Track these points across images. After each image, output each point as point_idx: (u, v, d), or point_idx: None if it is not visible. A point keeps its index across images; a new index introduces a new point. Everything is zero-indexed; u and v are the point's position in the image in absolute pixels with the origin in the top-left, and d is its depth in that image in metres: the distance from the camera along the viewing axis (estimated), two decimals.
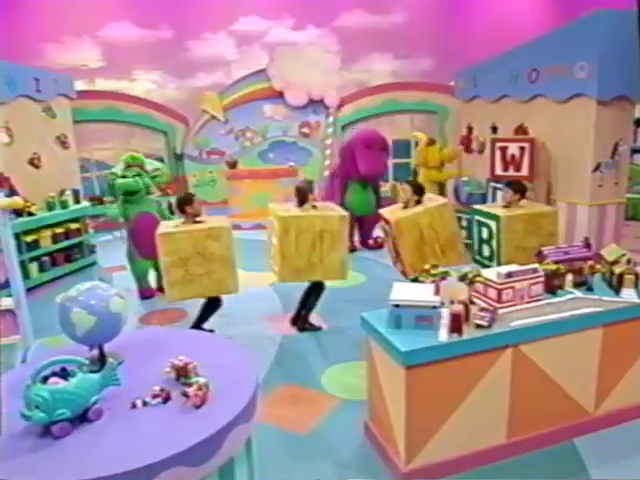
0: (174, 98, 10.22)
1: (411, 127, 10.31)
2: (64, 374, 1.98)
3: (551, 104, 6.17)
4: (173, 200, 4.15)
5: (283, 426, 3.13)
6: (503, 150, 6.37)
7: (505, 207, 4.51)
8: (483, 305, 2.78)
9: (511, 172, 6.18)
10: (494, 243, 4.45)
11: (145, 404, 2.09)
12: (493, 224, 4.40)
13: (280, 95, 9.90)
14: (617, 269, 3.01)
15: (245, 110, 9.89)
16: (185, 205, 4.11)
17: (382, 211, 4.72)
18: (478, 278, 2.85)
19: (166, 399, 2.12)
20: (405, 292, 2.67)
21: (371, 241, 7.44)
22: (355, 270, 6.18)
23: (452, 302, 2.66)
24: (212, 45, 10.53)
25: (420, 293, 2.66)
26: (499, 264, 4.32)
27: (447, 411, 2.58)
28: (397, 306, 2.60)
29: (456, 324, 2.50)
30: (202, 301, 4.36)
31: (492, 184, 6.65)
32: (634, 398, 3.05)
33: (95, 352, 2.44)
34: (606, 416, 2.99)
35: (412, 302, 2.57)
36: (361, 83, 10.76)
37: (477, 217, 4.63)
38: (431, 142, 7.52)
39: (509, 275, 2.78)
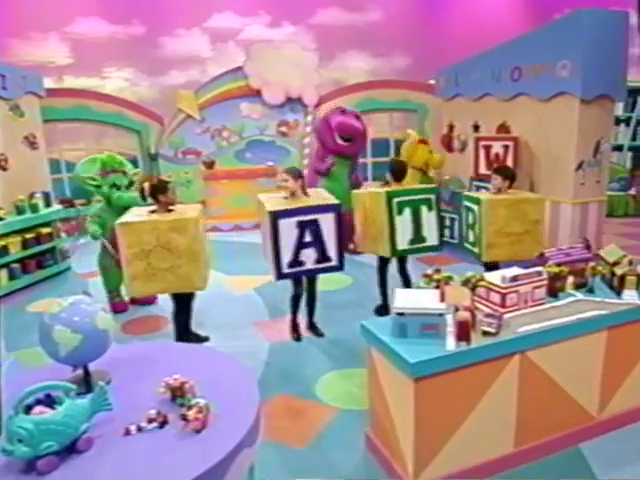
0: (147, 96, 9.91)
1: (390, 126, 10.26)
2: (49, 401, 1.79)
3: (534, 102, 6.18)
4: (146, 186, 3.81)
5: (280, 440, 2.98)
6: (487, 149, 6.36)
7: (495, 194, 4.48)
8: (486, 310, 2.70)
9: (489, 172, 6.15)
10: (477, 227, 4.45)
11: (140, 430, 1.91)
12: (476, 208, 4.40)
13: (257, 93, 9.69)
14: (618, 270, 2.96)
15: (221, 109, 9.63)
16: (159, 194, 3.80)
17: None
18: (481, 282, 2.76)
19: (162, 423, 1.95)
20: (409, 299, 2.56)
21: (351, 245, 7.10)
22: (341, 272, 6.05)
23: (457, 309, 2.57)
24: (186, 42, 10.26)
25: (425, 300, 2.55)
26: (480, 248, 4.40)
27: (455, 422, 2.49)
28: (401, 314, 2.48)
29: (464, 332, 2.40)
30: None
31: (475, 182, 6.62)
32: (637, 400, 3.01)
33: (80, 372, 2.25)
34: (610, 419, 2.94)
35: (418, 310, 2.46)
36: (338, 81, 10.66)
37: (465, 202, 4.64)
38: (423, 142, 7.41)
39: (514, 279, 2.70)
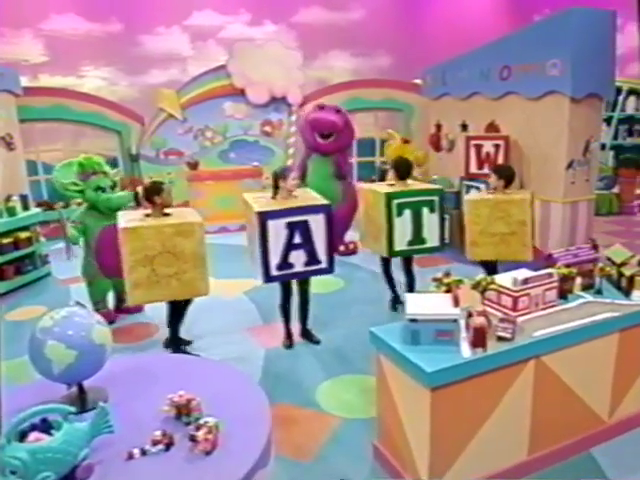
0: (126, 96, 9.66)
1: (375, 125, 10.19)
2: (45, 426, 1.63)
3: (523, 101, 6.15)
4: (139, 189, 3.72)
5: (284, 453, 2.84)
6: (478, 148, 6.31)
7: (490, 193, 4.57)
8: (497, 314, 2.61)
9: (486, 170, 6.10)
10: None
11: (144, 453, 1.76)
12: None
13: (241, 93, 9.51)
14: (627, 271, 2.91)
15: (204, 108, 9.43)
16: (153, 195, 3.67)
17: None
18: (492, 286, 2.67)
19: (168, 445, 1.80)
20: (421, 304, 2.45)
21: (342, 247, 6.76)
22: (332, 275, 5.93)
23: (469, 313, 2.47)
24: (165, 40, 10.05)
25: (437, 305, 2.45)
26: (465, 247, 4.57)
27: (471, 432, 2.39)
28: (414, 320, 2.37)
29: (480, 338, 2.31)
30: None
31: (466, 182, 6.57)
32: None
33: (74, 390, 2.08)
34: (620, 423, 2.89)
35: (431, 316, 2.35)
36: (321, 81, 10.56)
37: None
38: (406, 141, 7.34)
39: (525, 281, 2.62)
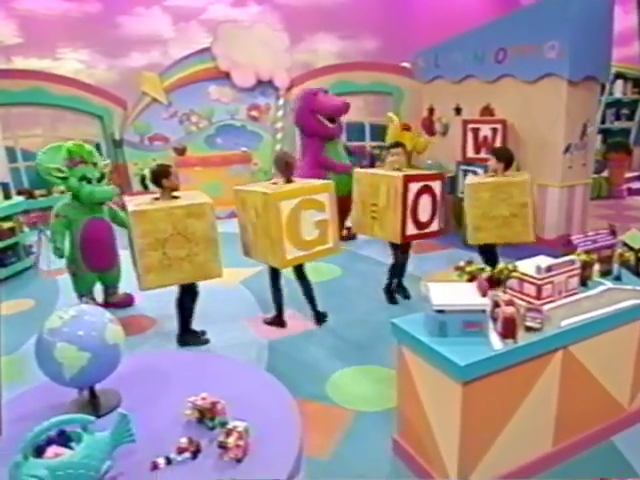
0: (105, 79, 9.27)
1: (365, 109, 10.02)
2: (64, 439, 1.48)
3: (519, 84, 6.06)
4: (147, 172, 3.69)
5: None
6: (475, 132, 6.22)
7: (490, 176, 4.50)
8: (521, 303, 2.52)
9: (483, 154, 6.02)
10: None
11: (169, 462, 1.62)
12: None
13: (226, 76, 9.24)
14: None
15: (189, 92, 9.13)
16: (162, 178, 3.58)
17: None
18: (514, 273, 2.58)
19: (195, 453, 1.67)
20: (447, 294, 2.34)
21: (344, 231, 6.61)
22: (329, 262, 5.82)
23: (496, 303, 2.37)
24: (146, 21, 9.65)
25: (464, 295, 2.34)
26: (466, 231, 4.53)
27: (499, 426, 2.31)
28: (441, 311, 2.27)
29: (511, 329, 2.22)
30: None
31: (463, 167, 6.48)
32: None
33: (85, 393, 1.93)
34: (639, 410, 2.85)
35: (460, 307, 2.25)
36: (306, 64, 10.33)
37: None
38: (406, 128, 7.18)
39: (549, 269, 2.53)
